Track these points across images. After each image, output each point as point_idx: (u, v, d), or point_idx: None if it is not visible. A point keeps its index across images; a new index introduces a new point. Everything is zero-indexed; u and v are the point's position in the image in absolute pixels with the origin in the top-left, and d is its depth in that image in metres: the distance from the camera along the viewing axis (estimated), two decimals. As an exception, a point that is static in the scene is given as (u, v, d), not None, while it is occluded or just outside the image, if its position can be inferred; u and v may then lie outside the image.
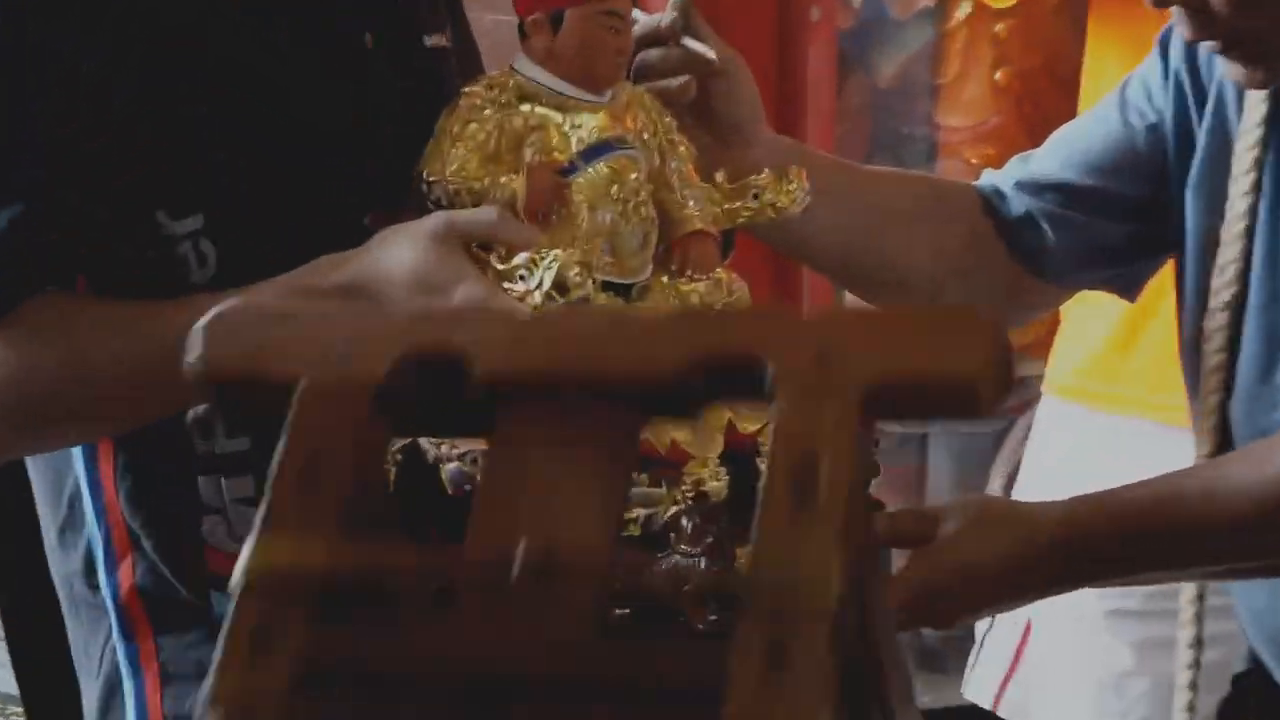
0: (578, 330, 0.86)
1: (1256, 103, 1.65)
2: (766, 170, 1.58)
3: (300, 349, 0.85)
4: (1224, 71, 1.60)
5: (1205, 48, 1.61)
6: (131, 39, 1.47)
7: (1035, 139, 3.14)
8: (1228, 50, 1.57)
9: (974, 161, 3.17)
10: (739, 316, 0.90)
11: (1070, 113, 2.51)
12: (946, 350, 0.80)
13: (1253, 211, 1.64)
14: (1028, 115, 3.20)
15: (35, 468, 1.64)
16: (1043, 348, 2.64)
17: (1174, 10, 1.56)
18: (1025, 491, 2.61)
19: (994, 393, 0.80)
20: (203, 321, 0.86)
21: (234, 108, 1.49)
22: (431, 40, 1.63)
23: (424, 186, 1.45)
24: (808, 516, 0.78)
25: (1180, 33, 1.58)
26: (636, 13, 1.57)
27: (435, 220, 1.43)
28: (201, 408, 1.51)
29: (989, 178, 1.84)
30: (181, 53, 1.48)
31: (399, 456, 1.43)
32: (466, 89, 1.47)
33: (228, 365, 0.86)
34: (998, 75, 3.18)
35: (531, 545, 0.80)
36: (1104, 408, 2.50)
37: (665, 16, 1.61)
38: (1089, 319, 2.46)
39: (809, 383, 0.80)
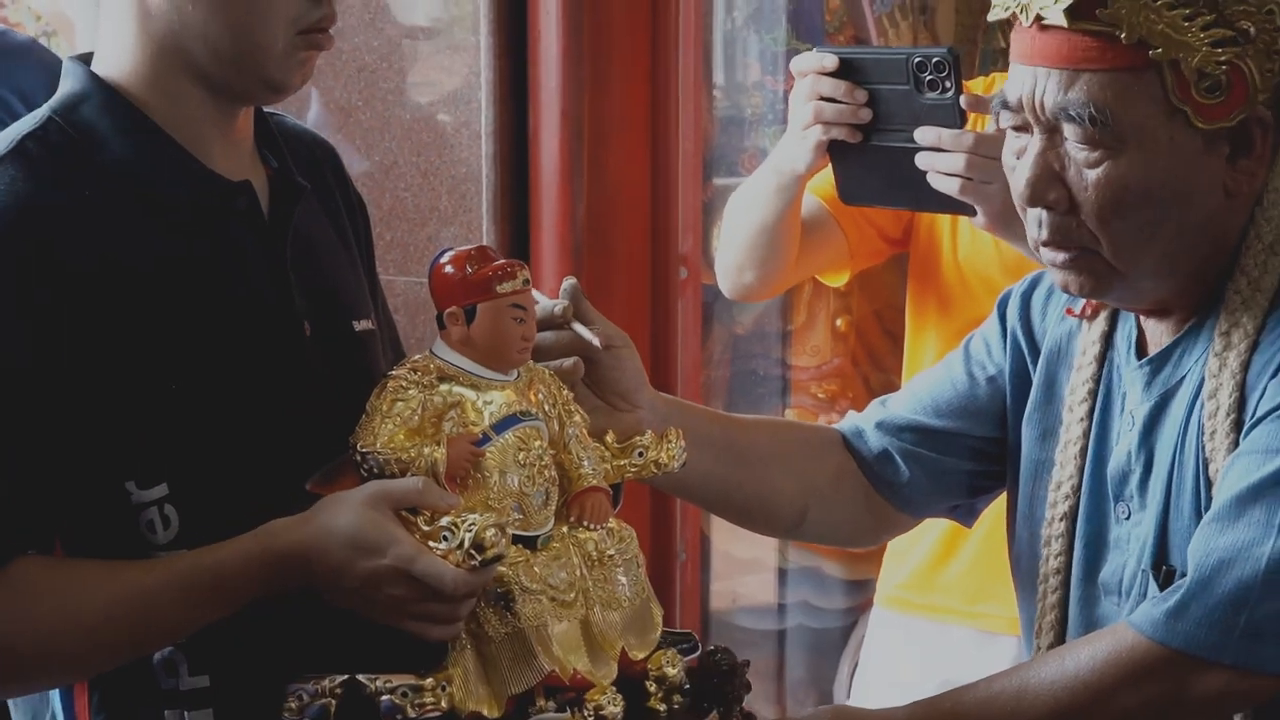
0: None
1: (1090, 343, 1.90)
2: (649, 431, 1.82)
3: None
4: (1057, 280, 1.80)
5: (1052, 258, 1.78)
6: (102, 336, 1.64)
7: (868, 378, 3.53)
8: (1076, 260, 1.77)
9: (820, 396, 3.50)
10: None
11: (898, 356, 2.81)
12: None
13: (1086, 434, 1.89)
14: (861, 358, 3.54)
15: (15, 704, 1.78)
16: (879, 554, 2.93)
17: (1034, 213, 1.77)
18: (865, 684, 2.90)
19: None
20: None
21: (195, 391, 1.67)
22: (360, 326, 1.83)
23: (358, 456, 1.66)
24: None
25: (1039, 236, 1.78)
26: (534, 293, 1.77)
27: (370, 489, 1.63)
28: (166, 650, 1.71)
29: (852, 419, 2.09)
30: (147, 344, 1.66)
31: (339, 690, 1.63)
32: (393, 372, 1.68)
33: None
34: (838, 322, 3.50)
35: None
36: (924, 615, 2.78)
37: (558, 304, 1.82)
38: (909, 541, 2.69)
39: None
